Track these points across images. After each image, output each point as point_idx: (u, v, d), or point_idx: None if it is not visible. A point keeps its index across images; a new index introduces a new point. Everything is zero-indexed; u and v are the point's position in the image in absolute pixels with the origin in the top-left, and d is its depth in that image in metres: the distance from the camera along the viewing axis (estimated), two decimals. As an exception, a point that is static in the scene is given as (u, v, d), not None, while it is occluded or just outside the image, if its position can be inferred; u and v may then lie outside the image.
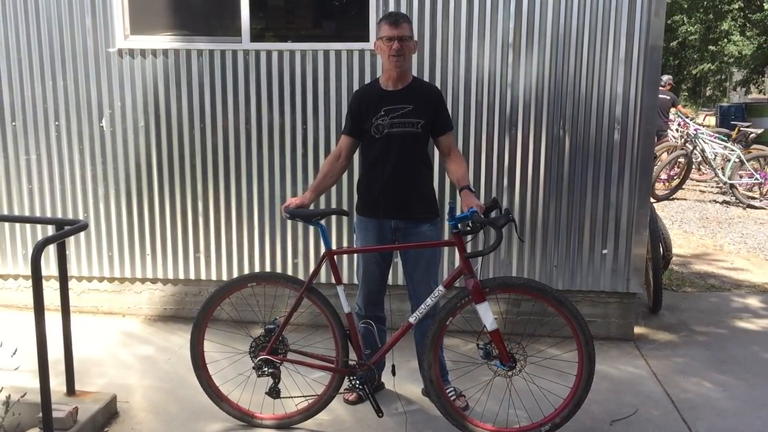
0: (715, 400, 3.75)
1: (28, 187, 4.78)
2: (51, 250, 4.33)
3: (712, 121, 17.35)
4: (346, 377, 3.34)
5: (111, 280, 4.89)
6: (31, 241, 4.82)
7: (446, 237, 4.29)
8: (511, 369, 3.12)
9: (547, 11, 4.27)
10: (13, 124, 4.72)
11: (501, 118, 4.40)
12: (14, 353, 3.25)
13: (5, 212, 4.82)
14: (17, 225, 4.83)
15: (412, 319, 3.23)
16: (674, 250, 6.66)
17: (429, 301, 3.19)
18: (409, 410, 3.61)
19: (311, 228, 4.59)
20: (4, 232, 4.86)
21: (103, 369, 4.06)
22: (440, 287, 3.18)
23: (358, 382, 3.29)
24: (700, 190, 11.14)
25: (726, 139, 10.93)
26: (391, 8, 4.33)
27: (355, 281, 3.72)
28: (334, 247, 4.57)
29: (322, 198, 4.49)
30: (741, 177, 10.06)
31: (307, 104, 4.51)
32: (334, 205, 4.56)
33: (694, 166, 10.76)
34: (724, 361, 4.29)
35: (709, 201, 10.24)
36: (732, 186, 9.97)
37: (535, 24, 4.29)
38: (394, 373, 3.45)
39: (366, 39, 4.38)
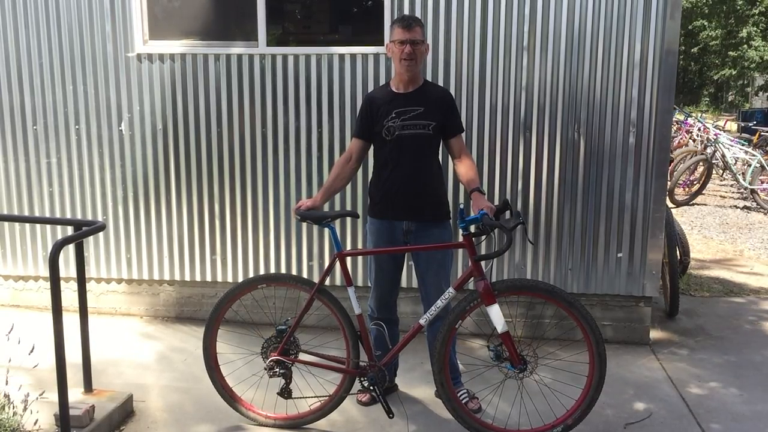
0: (732, 405, 3.72)
1: (48, 190, 4.86)
2: (71, 253, 4.39)
3: (733, 126, 17.17)
4: (357, 378, 3.36)
5: (129, 281, 4.96)
6: (51, 243, 4.89)
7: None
8: (521, 371, 3.13)
9: (562, 14, 4.27)
10: (35, 128, 4.81)
11: (515, 121, 4.40)
12: (31, 351, 3.31)
13: (26, 214, 4.90)
14: (38, 228, 4.91)
15: (422, 321, 3.24)
16: (694, 255, 6.60)
17: (439, 303, 3.20)
18: (422, 412, 3.62)
19: (326, 230, 4.62)
20: (26, 235, 4.95)
21: (121, 369, 4.12)
22: (450, 289, 3.19)
23: (368, 383, 3.30)
24: (721, 195, 11.01)
25: (747, 143, 10.80)
26: (406, 12, 4.36)
27: (369, 283, 3.75)
28: (348, 247, 4.62)
29: (336, 199, 4.53)
30: (762, 182, 9.93)
31: (323, 108, 4.55)
32: (348, 207, 4.59)
33: (714, 172, 10.63)
34: (741, 365, 4.25)
35: (730, 206, 10.12)
36: (753, 191, 9.86)
37: (550, 27, 4.29)
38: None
39: (381, 43, 4.41)
